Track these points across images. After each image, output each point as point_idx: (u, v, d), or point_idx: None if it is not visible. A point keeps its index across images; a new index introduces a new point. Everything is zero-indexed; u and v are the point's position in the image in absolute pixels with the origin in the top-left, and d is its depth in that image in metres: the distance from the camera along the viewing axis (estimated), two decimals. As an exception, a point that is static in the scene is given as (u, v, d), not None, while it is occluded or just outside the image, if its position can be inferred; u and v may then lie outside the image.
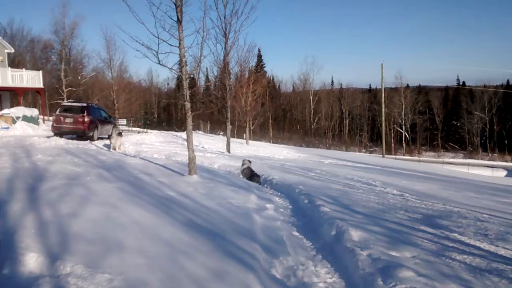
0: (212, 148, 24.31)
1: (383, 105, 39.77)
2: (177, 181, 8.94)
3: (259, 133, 67.15)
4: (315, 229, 6.43)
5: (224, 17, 21.38)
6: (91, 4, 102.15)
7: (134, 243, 4.54)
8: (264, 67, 77.30)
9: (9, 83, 26.36)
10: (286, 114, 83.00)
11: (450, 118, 77.76)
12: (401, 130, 73.06)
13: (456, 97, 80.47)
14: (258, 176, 11.54)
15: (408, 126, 73.15)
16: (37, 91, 30.51)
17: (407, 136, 72.99)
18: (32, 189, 6.61)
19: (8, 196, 6.02)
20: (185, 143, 10.83)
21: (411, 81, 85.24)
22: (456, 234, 5.83)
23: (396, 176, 15.45)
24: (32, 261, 3.76)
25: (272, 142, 55.14)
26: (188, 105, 9.68)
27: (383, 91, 39.76)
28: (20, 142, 16.07)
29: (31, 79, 28.72)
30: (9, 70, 26.91)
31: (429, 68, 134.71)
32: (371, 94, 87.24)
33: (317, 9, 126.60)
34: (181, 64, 9.55)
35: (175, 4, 9.04)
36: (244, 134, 36.54)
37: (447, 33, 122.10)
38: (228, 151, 22.55)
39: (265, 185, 11.23)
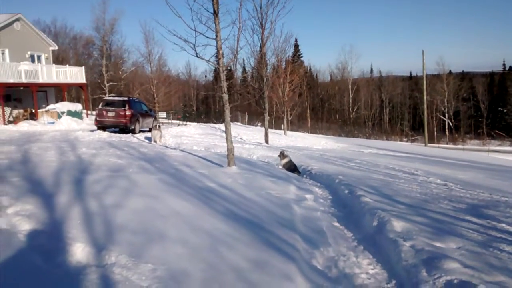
0: (250, 139, 24.39)
1: (424, 93, 38.71)
2: (216, 172, 9.02)
3: (297, 124, 66.86)
4: (356, 219, 6.34)
5: (260, 8, 21.30)
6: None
7: (176, 234, 4.61)
8: (301, 56, 76.76)
9: (54, 79, 27.30)
10: (324, 104, 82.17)
11: (496, 105, 74.85)
12: (444, 118, 70.93)
13: (503, 82, 77.31)
14: (299, 171, 11.44)
15: (451, 113, 70.95)
16: (80, 86, 31.48)
17: (450, 124, 70.79)
18: (78, 181, 6.83)
19: (55, 188, 6.25)
20: (224, 134, 10.89)
21: (454, 67, 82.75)
22: (504, 225, 5.61)
23: (439, 165, 15.02)
24: (79, 250, 3.90)
25: (311, 132, 54.75)
26: (225, 97, 9.72)
27: (424, 78, 38.63)
28: (65, 136, 16.64)
29: (74, 75, 29.64)
30: (54, 67, 27.85)
31: (473, 53, 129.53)
32: (412, 81, 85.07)
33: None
34: (218, 56, 9.58)
35: (211, -4, 9.07)
36: (282, 125, 36.45)
37: (491, 15, 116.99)
38: (266, 142, 22.55)
39: (304, 176, 11.16)
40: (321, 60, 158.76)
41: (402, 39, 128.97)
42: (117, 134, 18.99)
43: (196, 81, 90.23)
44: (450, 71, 77.63)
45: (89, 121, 27.34)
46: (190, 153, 12.88)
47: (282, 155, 11.91)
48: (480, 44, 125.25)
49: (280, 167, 11.75)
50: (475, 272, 3.81)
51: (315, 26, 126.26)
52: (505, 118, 71.62)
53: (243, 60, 62.39)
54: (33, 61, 28.46)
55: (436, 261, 4.09)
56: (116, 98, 22.27)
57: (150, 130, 20.50)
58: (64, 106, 26.71)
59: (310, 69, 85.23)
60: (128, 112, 20.19)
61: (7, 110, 24.82)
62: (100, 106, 21.14)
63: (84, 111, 30.23)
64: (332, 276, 4.25)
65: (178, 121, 42.56)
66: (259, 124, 45.86)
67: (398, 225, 5.32)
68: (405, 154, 21.46)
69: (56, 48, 33.06)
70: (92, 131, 19.66)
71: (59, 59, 44.95)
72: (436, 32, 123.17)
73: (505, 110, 71.95)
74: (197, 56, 9.33)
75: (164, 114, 41.30)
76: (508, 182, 10.83)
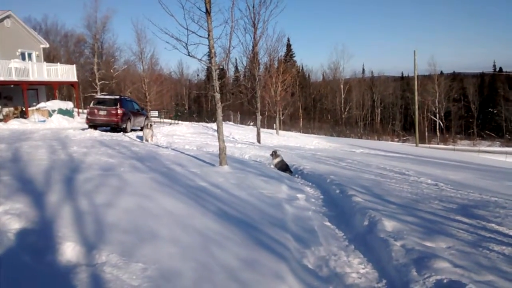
0: (242, 138, 24.38)
1: (416, 93, 38.91)
2: (208, 172, 9.01)
3: (289, 123, 66.83)
4: (347, 219, 6.37)
5: (253, 7, 21.27)
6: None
7: (167, 233, 4.60)
8: (294, 56, 76.74)
9: (45, 77, 27.09)
10: (316, 103, 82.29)
11: (486, 106, 75.50)
12: (435, 119, 71.36)
13: (493, 84, 78.04)
14: (291, 170, 11.46)
15: (442, 114, 71.38)
16: (71, 84, 31.25)
17: (441, 124, 71.23)
18: (68, 180, 6.78)
19: (46, 187, 6.20)
20: (216, 134, 10.88)
21: (445, 68, 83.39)
22: (493, 225, 5.66)
23: (430, 165, 15.11)
24: (69, 250, 3.87)
25: (303, 132, 54.76)
26: (218, 96, 9.71)
27: (416, 79, 38.87)
28: (56, 135, 16.51)
29: (66, 73, 29.42)
30: (45, 65, 27.65)
31: (464, 54, 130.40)
32: (404, 82, 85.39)
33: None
34: (210, 55, 9.57)
35: (204, -5, 9.05)
36: (274, 125, 36.44)
37: (482, 16, 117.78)
38: (259, 141, 22.55)
39: (296, 175, 11.18)
40: (314, 59, 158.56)
41: (394, 39, 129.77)
42: (109, 133, 18.89)
43: (188, 80, 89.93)
44: (441, 71, 78.25)
45: (80, 119, 27.16)
46: (182, 152, 12.85)
47: (274, 154, 11.92)
48: (471, 45, 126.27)
49: (272, 166, 11.76)
50: (465, 272, 3.84)
51: (308, 26, 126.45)
52: (495, 119, 72.26)
53: (236, 60, 62.13)
54: (23, 58, 28.23)
55: (426, 260, 4.12)
56: (107, 96, 22.16)
57: (141, 129, 20.42)
58: (55, 104, 26.55)
59: (302, 68, 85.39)
60: (119, 111, 20.11)
61: (-3, 108, 24.63)
62: (91, 105, 21.02)
63: (75, 109, 30.04)
64: (323, 276, 4.27)
65: (170, 120, 42.44)
66: (251, 124, 45.80)
67: (389, 224, 5.35)
68: (396, 154, 21.58)
69: (47, 45, 32.80)
70: (83, 129, 19.54)
71: (50, 57, 44.66)
72: (428, 32, 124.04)
73: (495, 111, 72.58)
74: (189, 55, 9.32)
75: (156, 113, 41.17)
76: (498, 183, 10.93)
